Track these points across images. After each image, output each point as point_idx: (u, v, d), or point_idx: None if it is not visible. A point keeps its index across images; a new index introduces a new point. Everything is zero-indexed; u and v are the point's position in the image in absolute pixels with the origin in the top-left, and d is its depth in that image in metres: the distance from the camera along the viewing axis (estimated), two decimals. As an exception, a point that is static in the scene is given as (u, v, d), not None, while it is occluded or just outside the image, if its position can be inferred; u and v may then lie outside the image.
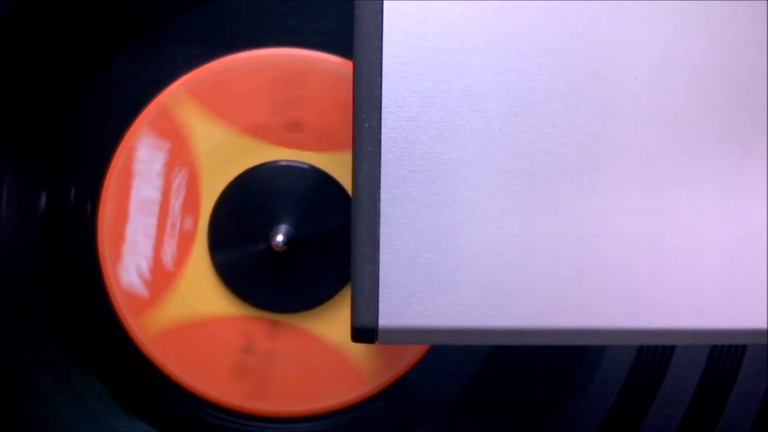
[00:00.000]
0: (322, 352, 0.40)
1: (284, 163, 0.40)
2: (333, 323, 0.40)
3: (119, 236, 0.40)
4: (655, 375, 0.41)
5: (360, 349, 0.41)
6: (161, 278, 0.40)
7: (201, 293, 0.40)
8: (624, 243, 0.29)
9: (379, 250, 0.29)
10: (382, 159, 0.29)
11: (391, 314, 0.29)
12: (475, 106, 0.29)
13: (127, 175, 0.40)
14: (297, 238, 0.39)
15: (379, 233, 0.29)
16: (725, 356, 0.40)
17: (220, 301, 0.40)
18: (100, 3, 0.40)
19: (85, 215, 0.41)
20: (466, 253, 0.29)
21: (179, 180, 0.40)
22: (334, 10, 0.40)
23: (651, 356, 0.41)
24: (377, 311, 0.29)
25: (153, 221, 0.40)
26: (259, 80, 0.39)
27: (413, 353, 0.41)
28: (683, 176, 0.29)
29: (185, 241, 0.40)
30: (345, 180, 0.40)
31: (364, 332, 0.29)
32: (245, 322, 0.40)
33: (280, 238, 0.38)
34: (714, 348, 0.41)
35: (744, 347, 0.40)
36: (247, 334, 0.40)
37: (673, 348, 0.41)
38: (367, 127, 0.29)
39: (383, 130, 0.29)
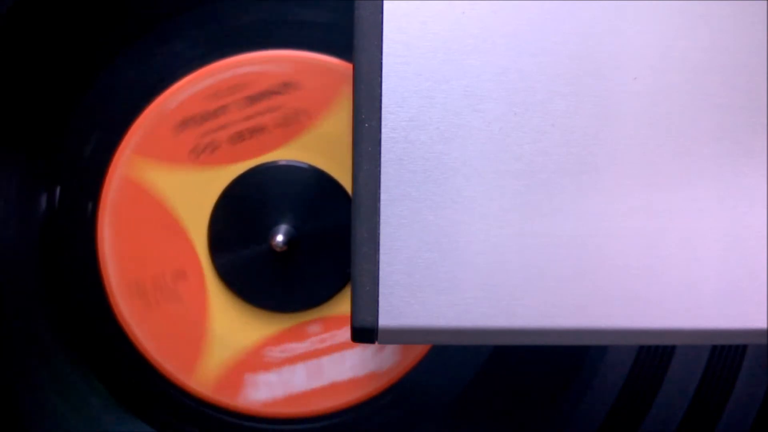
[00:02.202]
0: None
1: (284, 163, 0.40)
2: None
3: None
4: (655, 375, 0.41)
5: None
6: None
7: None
8: (624, 243, 0.29)
9: (379, 250, 0.29)
10: (382, 159, 0.29)
11: (391, 314, 0.29)
12: (475, 106, 0.29)
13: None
14: (297, 238, 0.39)
15: (379, 233, 0.29)
16: (725, 356, 0.40)
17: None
18: (100, 3, 0.40)
19: (85, 215, 0.41)
20: (466, 253, 0.29)
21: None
22: (333, 9, 0.40)
23: (651, 356, 0.41)
24: (377, 311, 0.29)
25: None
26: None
27: (413, 353, 0.41)
28: (683, 176, 0.29)
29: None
30: (345, 180, 0.40)
31: (364, 332, 0.29)
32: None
33: (280, 238, 0.38)
34: (714, 348, 0.41)
35: (744, 347, 0.40)
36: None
37: (673, 348, 0.41)
38: (367, 127, 0.29)
39: (383, 130, 0.29)
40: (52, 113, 0.41)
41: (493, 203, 0.29)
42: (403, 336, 0.29)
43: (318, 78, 0.39)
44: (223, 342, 0.40)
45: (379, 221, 0.29)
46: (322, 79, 0.39)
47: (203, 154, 0.39)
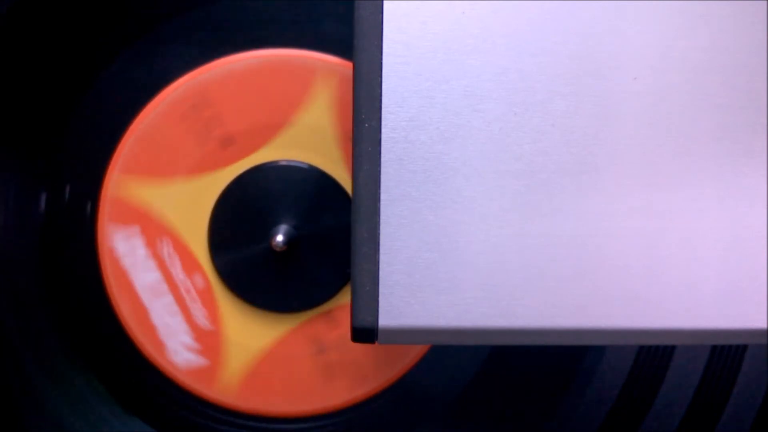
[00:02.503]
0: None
1: (284, 163, 0.40)
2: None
3: (150, 327, 0.40)
4: (655, 375, 0.41)
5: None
6: (210, 341, 0.40)
7: (249, 330, 0.40)
8: (624, 243, 0.29)
9: (379, 250, 0.29)
10: (382, 159, 0.29)
11: (391, 314, 0.29)
12: (475, 106, 0.29)
13: (122, 274, 0.40)
14: (297, 238, 0.39)
15: (379, 233, 0.29)
16: (725, 356, 0.40)
17: (269, 326, 0.40)
18: (100, 3, 0.40)
19: (85, 215, 0.41)
20: (466, 253, 0.29)
21: (166, 249, 0.40)
22: (334, 9, 0.40)
23: (651, 356, 0.41)
24: (377, 311, 0.29)
25: (169, 298, 0.40)
26: (170, 123, 0.39)
27: (413, 353, 0.41)
28: (683, 176, 0.29)
29: (207, 295, 0.40)
30: (345, 180, 0.40)
31: (364, 332, 0.29)
32: (302, 329, 0.40)
33: (280, 238, 0.38)
34: (714, 348, 0.41)
35: (744, 347, 0.40)
36: (312, 338, 0.40)
37: (673, 348, 0.41)
38: (367, 127, 0.29)
39: (383, 130, 0.29)
40: (52, 113, 0.41)
41: (493, 203, 0.29)
42: (403, 336, 0.29)
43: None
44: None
45: (379, 221, 0.29)
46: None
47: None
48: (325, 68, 0.39)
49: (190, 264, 0.40)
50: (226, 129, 0.39)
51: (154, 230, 0.40)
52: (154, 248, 0.40)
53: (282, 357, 0.40)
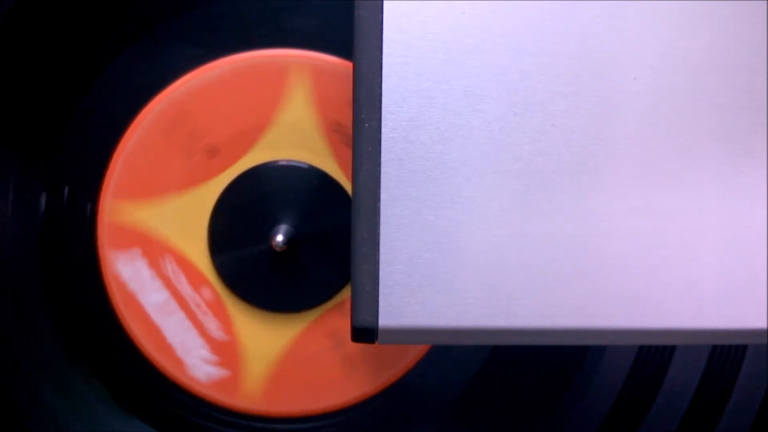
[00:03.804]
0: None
1: (284, 163, 0.40)
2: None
3: (167, 347, 0.40)
4: (655, 375, 0.41)
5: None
6: (228, 351, 0.40)
7: (264, 334, 0.40)
8: (624, 243, 0.29)
9: (379, 250, 0.29)
10: (382, 159, 0.29)
11: (391, 314, 0.29)
12: (475, 106, 0.29)
13: (131, 298, 0.40)
14: (297, 238, 0.39)
15: (379, 233, 0.29)
16: (725, 356, 0.40)
17: (284, 328, 0.40)
18: (100, 3, 0.40)
19: (85, 216, 0.41)
20: (466, 253, 0.29)
21: (170, 267, 0.40)
22: (334, 9, 0.40)
23: (651, 356, 0.41)
24: (377, 311, 0.29)
25: (181, 315, 0.40)
26: (154, 142, 0.39)
27: (413, 353, 0.41)
28: (683, 176, 0.29)
29: (217, 306, 0.40)
30: (345, 180, 0.40)
31: (364, 332, 0.29)
32: (317, 325, 0.40)
33: (280, 238, 0.38)
34: (714, 348, 0.41)
35: (744, 347, 0.40)
36: (328, 332, 0.40)
37: (673, 348, 0.41)
38: (367, 127, 0.29)
39: (383, 130, 0.29)
40: (52, 113, 0.41)
41: (493, 203, 0.29)
42: (403, 336, 0.29)
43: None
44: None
45: (379, 221, 0.29)
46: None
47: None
48: (295, 63, 0.39)
49: (195, 278, 0.40)
50: (210, 139, 0.39)
51: (155, 250, 0.40)
52: (157, 268, 0.40)
53: (302, 356, 0.40)
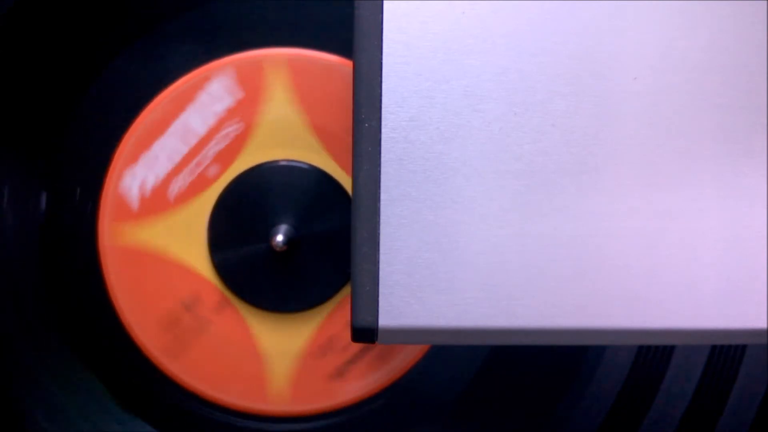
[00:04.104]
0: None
1: (284, 163, 0.40)
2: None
3: (145, 144, 0.40)
4: (655, 375, 0.41)
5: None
6: (157, 202, 0.40)
7: (182, 236, 0.40)
8: (624, 243, 0.29)
9: (379, 250, 0.29)
10: (382, 159, 0.29)
11: (391, 314, 0.29)
12: (475, 106, 0.29)
13: (188, 99, 0.40)
14: (297, 238, 0.39)
15: (379, 233, 0.29)
16: (725, 356, 0.40)
17: (193, 253, 0.40)
18: (100, 3, 0.40)
19: (85, 216, 0.41)
20: (466, 253, 0.29)
21: (230, 131, 0.40)
22: (334, 9, 0.40)
23: (651, 356, 0.41)
24: (377, 311, 0.29)
25: (184, 149, 0.40)
26: (340, 84, 0.39)
27: (413, 353, 0.41)
28: (683, 176, 0.29)
29: (199, 184, 0.40)
30: (345, 180, 0.40)
31: (364, 332, 0.29)
32: (202, 283, 0.40)
33: (280, 238, 0.38)
34: (714, 348, 0.41)
35: (744, 347, 0.40)
36: (196, 294, 0.40)
37: (673, 348, 0.41)
38: (367, 127, 0.29)
39: (383, 130, 0.29)
40: (52, 113, 0.41)
41: (493, 203, 0.29)
42: (403, 336, 0.29)
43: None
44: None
45: (379, 221, 0.29)
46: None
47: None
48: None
49: (226, 156, 0.40)
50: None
51: (245, 111, 0.39)
52: (228, 118, 0.40)
53: (168, 274, 0.40)
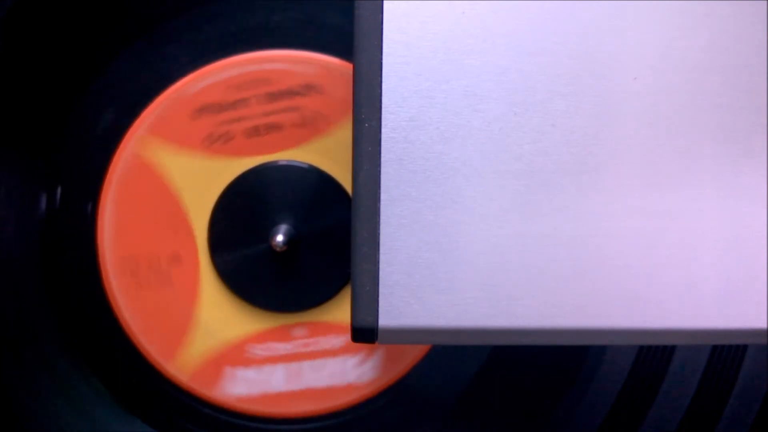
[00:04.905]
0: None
1: (284, 163, 0.40)
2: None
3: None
4: (655, 375, 0.41)
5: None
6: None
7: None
8: (624, 243, 0.29)
9: (379, 250, 0.29)
10: (382, 159, 0.29)
11: (391, 314, 0.29)
12: (475, 106, 0.29)
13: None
14: (297, 238, 0.39)
15: (379, 233, 0.29)
16: (725, 356, 0.40)
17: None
18: (100, 3, 0.40)
19: (85, 215, 0.41)
20: (466, 253, 0.29)
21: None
22: (334, 9, 0.40)
23: (651, 356, 0.41)
24: (377, 311, 0.29)
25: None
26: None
27: (413, 354, 0.41)
28: (683, 176, 0.29)
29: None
30: (345, 180, 0.40)
31: (364, 332, 0.29)
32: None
33: (280, 238, 0.38)
34: (714, 348, 0.41)
35: (744, 347, 0.40)
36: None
37: (673, 348, 0.41)
38: (367, 127, 0.29)
39: (383, 130, 0.29)
40: (52, 113, 0.41)
41: (493, 203, 0.29)
42: (403, 336, 0.29)
43: (341, 84, 0.39)
44: (208, 332, 0.40)
45: (379, 221, 0.29)
46: (345, 85, 0.39)
47: (216, 143, 0.39)
48: (132, 165, 0.40)
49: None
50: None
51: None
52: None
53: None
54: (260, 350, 0.40)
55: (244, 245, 0.40)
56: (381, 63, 0.29)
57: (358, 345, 0.40)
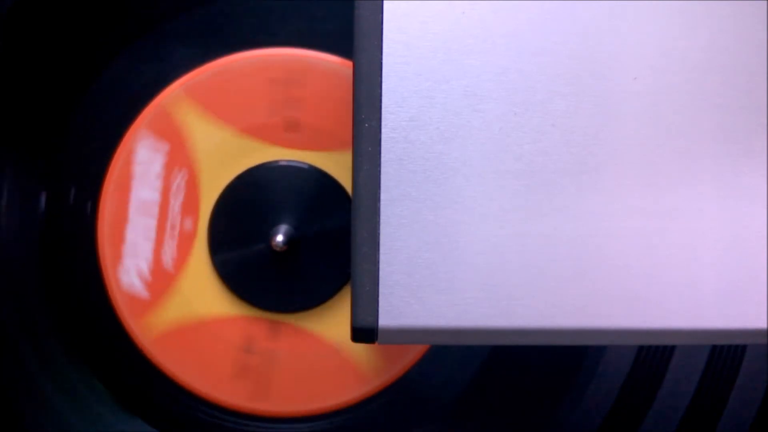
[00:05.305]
0: (322, 352, 0.40)
1: (284, 163, 0.40)
2: (333, 323, 0.40)
3: (119, 238, 0.40)
4: (655, 375, 0.41)
5: (360, 348, 0.41)
6: (162, 279, 0.40)
7: (201, 294, 0.40)
8: (624, 243, 0.29)
9: (379, 250, 0.29)
10: (382, 159, 0.29)
11: (391, 314, 0.29)
12: (475, 106, 0.29)
13: (127, 177, 0.40)
14: (297, 238, 0.39)
15: (379, 233, 0.29)
16: (725, 356, 0.40)
17: (220, 302, 0.40)
18: (100, 3, 0.40)
19: (85, 216, 0.41)
20: (466, 253, 0.29)
21: (178, 181, 0.40)
22: (334, 10, 0.40)
23: (651, 356, 0.41)
24: (377, 311, 0.29)
25: (153, 223, 0.40)
26: (256, 80, 0.39)
27: (413, 353, 0.41)
28: (683, 176, 0.29)
29: (185, 241, 0.40)
30: (345, 180, 0.40)
31: (364, 332, 0.29)
32: (246, 322, 0.40)
33: (280, 238, 0.38)
34: (714, 348, 0.41)
35: (744, 347, 0.40)
36: (247, 335, 0.40)
37: (673, 348, 0.41)
38: (367, 127, 0.29)
39: (383, 130, 0.29)
40: (52, 113, 0.41)
41: (493, 203, 0.29)
42: (403, 336, 0.29)
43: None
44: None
45: (379, 221, 0.29)
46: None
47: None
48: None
49: (191, 205, 0.40)
50: (301, 116, 0.39)
51: (180, 157, 0.40)
52: (169, 173, 0.40)
53: (211, 334, 0.40)
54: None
55: (244, 245, 0.40)
56: (381, 63, 0.29)
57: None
